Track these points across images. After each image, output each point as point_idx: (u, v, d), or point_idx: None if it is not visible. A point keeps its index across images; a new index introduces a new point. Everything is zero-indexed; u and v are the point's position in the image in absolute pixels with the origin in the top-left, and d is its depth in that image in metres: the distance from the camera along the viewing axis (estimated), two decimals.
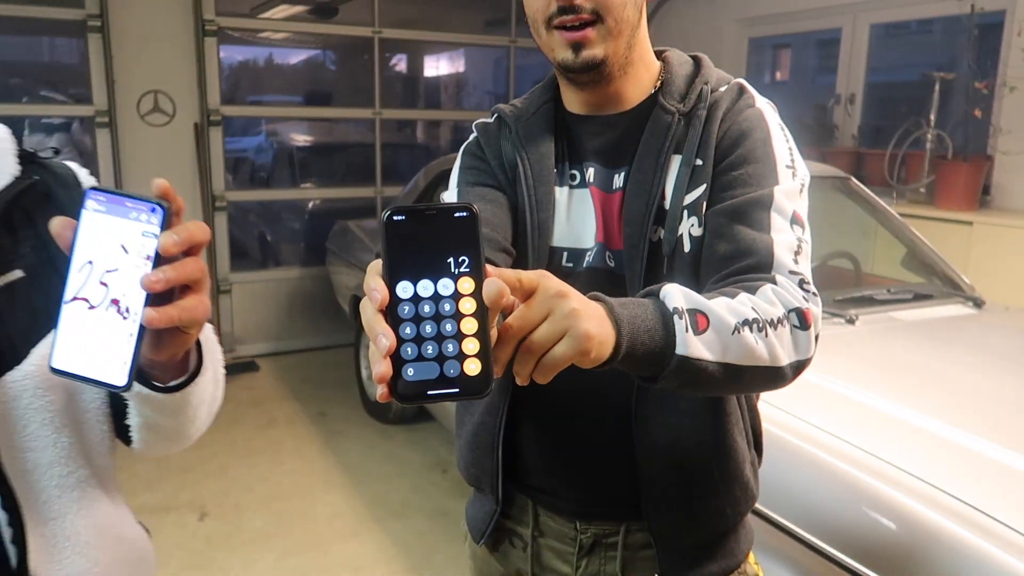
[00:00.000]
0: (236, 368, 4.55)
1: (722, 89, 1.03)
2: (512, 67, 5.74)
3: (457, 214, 0.60)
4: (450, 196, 1.13)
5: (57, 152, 0.87)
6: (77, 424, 0.82)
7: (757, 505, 1.56)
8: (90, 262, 0.62)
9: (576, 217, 1.06)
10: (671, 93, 1.03)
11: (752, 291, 0.85)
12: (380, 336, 0.58)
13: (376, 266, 0.61)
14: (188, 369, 0.76)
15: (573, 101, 1.08)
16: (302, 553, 2.82)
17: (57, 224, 0.62)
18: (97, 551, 0.82)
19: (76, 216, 0.62)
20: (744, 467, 1.07)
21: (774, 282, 0.87)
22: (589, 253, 1.05)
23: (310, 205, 5.67)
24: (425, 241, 0.60)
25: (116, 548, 0.85)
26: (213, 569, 2.70)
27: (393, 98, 5.85)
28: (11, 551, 0.76)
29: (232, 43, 5.11)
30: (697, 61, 1.08)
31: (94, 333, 0.63)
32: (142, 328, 0.62)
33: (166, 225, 0.63)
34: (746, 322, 0.81)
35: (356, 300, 4.17)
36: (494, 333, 0.62)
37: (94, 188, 0.63)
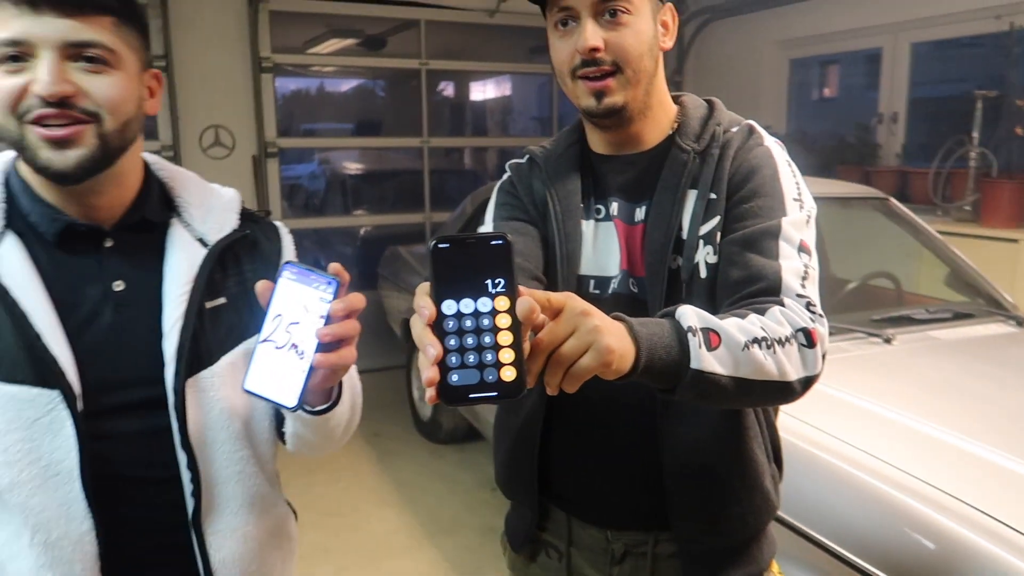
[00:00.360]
0: None
1: (734, 130, 1.12)
2: (555, 93, 5.87)
3: (493, 242, 0.71)
4: (486, 229, 1.23)
5: (268, 213, 1.07)
6: (246, 418, 1.06)
7: (796, 523, 1.63)
8: (279, 315, 0.86)
9: (601, 248, 1.15)
10: (687, 134, 1.13)
11: (761, 312, 0.93)
12: (428, 347, 0.69)
13: (424, 287, 0.72)
14: (331, 399, 0.98)
15: (597, 142, 1.18)
16: (357, 567, 2.94)
17: (260, 286, 0.86)
18: (247, 514, 1.07)
19: (273, 268, 0.89)
20: (764, 479, 1.14)
21: (782, 304, 0.96)
22: (614, 280, 1.13)
23: (362, 231, 5.86)
24: (466, 265, 0.71)
25: (263, 516, 1.10)
26: None
27: (440, 126, 6.03)
28: (190, 503, 1.01)
29: (286, 75, 5.35)
30: (711, 105, 1.18)
31: (277, 367, 0.85)
32: (311, 367, 0.85)
33: (337, 294, 0.85)
34: (755, 340, 0.89)
35: (407, 323, 4.30)
36: (527, 346, 0.72)
37: (290, 262, 0.87)
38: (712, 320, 0.89)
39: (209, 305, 1.03)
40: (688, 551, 1.14)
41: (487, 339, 0.70)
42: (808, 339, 0.94)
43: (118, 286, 1.00)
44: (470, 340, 0.69)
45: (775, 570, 1.22)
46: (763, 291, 0.99)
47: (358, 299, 0.87)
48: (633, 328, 0.83)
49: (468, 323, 0.70)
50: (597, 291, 1.15)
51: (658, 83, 1.13)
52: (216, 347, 1.02)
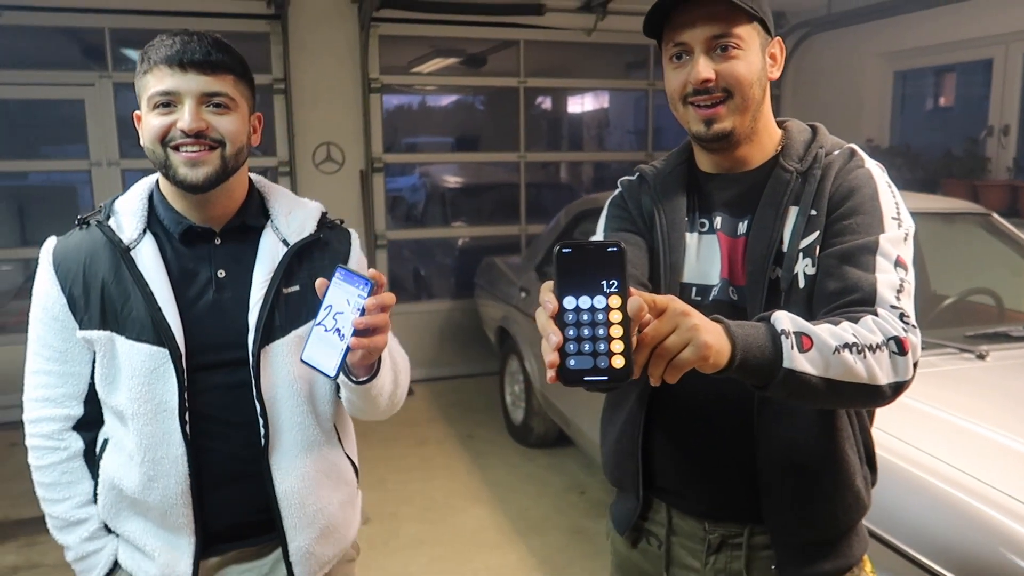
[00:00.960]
0: None
1: (835, 153, 1.20)
2: (651, 107, 5.94)
3: (609, 248, 0.83)
4: (598, 238, 1.35)
5: (342, 221, 1.44)
6: (309, 382, 1.33)
7: (894, 541, 1.65)
8: (329, 306, 1.10)
9: (704, 258, 1.24)
10: (790, 155, 1.21)
11: (855, 321, 1.01)
12: (551, 335, 0.81)
13: (548, 284, 0.85)
14: (372, 373, 1.24)
15: (705, 162, 1.28)
16: (451, 560, 3.11)
17: (318, 283, 1.11)
18: (305, 457, 1.34)
19: (331, 271, 1.13)
20: (855, 478, 1.19)
21: (876, 314, 1.02)
22: (715, 288, 1.22)
23: (459, 242, 6.09)
24: (585, 267, 0.82)
25: (319, 460, 1.36)
26: (375, 568, 3.03)
27: (537, 140, 6.19)
28: (261, 443, 1.30)
29: (391, 93, 5.64)
30: (814, 129, 1.26)
31: (324, 345, 1.10)
32: (348, 348, 1.09)
33: (372, 292, 1.09)
34: (846, 345, 0.96)
35: (502, 331, 4.48)
36: (634, 340, 0.82)
37: (340, 266, 1.11)
38: (805, 325, 0.97)
39: (285, 291, 1.32)
40: (781, 543, 1.20)
41: (601, 331, 0.81)
42: (899, 347, 1.00)
43: (221, 273, 1.31)
44: (586, 331, 0.81)
45: (867, 568, 1.27)
46: (858, 301, 1.06)
47: (389, 297, 1.11)
48: (730, 328, 0.92)
49: (585, 316, 0.81)
50: (698, 298, 1.23)
51: (765, 110, 1.21)
52: (288, 324, 1.31)
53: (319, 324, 1.09)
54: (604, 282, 0.82)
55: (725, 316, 0.96)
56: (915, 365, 1.02)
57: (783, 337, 0.95)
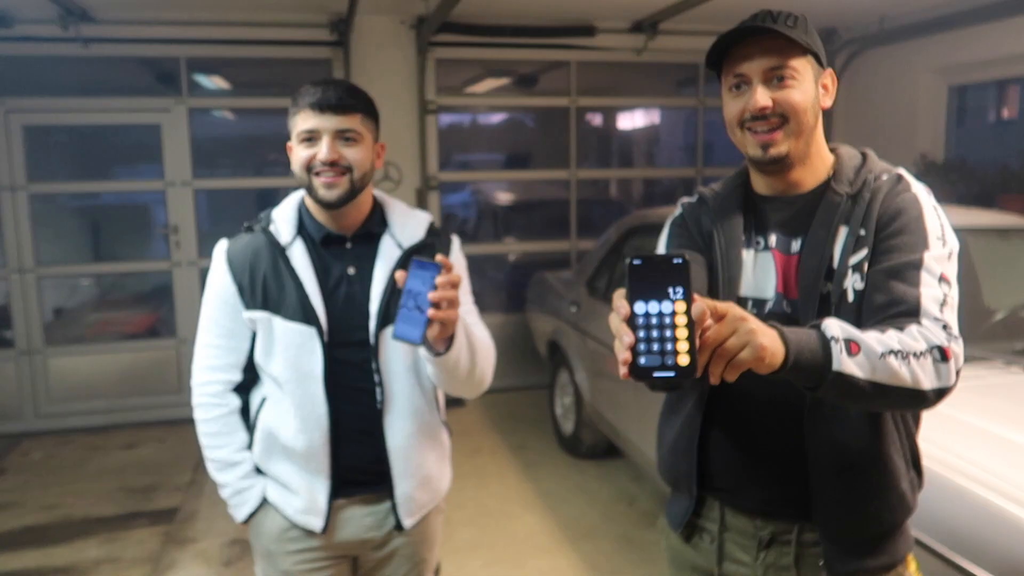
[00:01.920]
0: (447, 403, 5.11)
1: (884, 177, 1.28)
2: (700, 124, 6.00)
3: (675, 260, 0.95)
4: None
5: (445, 230, 1.72)
6: (414, 359, 1.63)
7: (938, 547, 1.69)
8: (409, 291, 1.34)
9: (760, 274, 1.33)
10: (841, 180, 1.30)
11: (900, 330, 1.10)
12: (624, 336, 0.94)
13: (621, 292, 0.97)
14: (447, 346, 1.49)
15: (761, 184, 1.37)
16: (503, 563, 3.22)
17: (398, 274, 1.37)
18: (411, 419, 1.64)
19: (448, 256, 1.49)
20: (900, 481, 1.27)
21: (920, 324, 1.12)
22: (770, 302, 1.31)
23: (511, 257, 6.22)
24: (653, 277, 0.95)
25: (421, 423, 1.66)
26: None
27: (588, 157, 6.30)
28: (378, 407, 1.61)
29: (446, 113, 5.82)
30: (864, 156, 1.35)
31: (408, 322, 1.34)
32: (427, 320, 1.34)
33: (439, 274, 1.34)
34: (891, 351, 1.06)
35: (552, 344, 4.59)
36: (698, 342, 0.94)
37: (415, 258, 1.37)
38: (853, 332, 1.06)
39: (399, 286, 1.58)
40: (829, 540, 1.28)
41: (668, 333, 0.92)
42: (942, 355, 1.09)
43: (351, 270, 1.63)
44: (655, 333, 0.93)
45: (912, 567, 1.33)
46: (904, 313, 1.15)
47: (455, 276, 1.36)
48: (784, 332, 1.03)
49: (654, 320, 0.93)
50: (755, 310, 1.32)
51: (817, 136, 1.31)
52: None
53: (403, 307, 1.34)
54: (671, 289, 0.93)
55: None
56: (958, 373, 1.11)
57: (832, 342, 1.04)
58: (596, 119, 6.89)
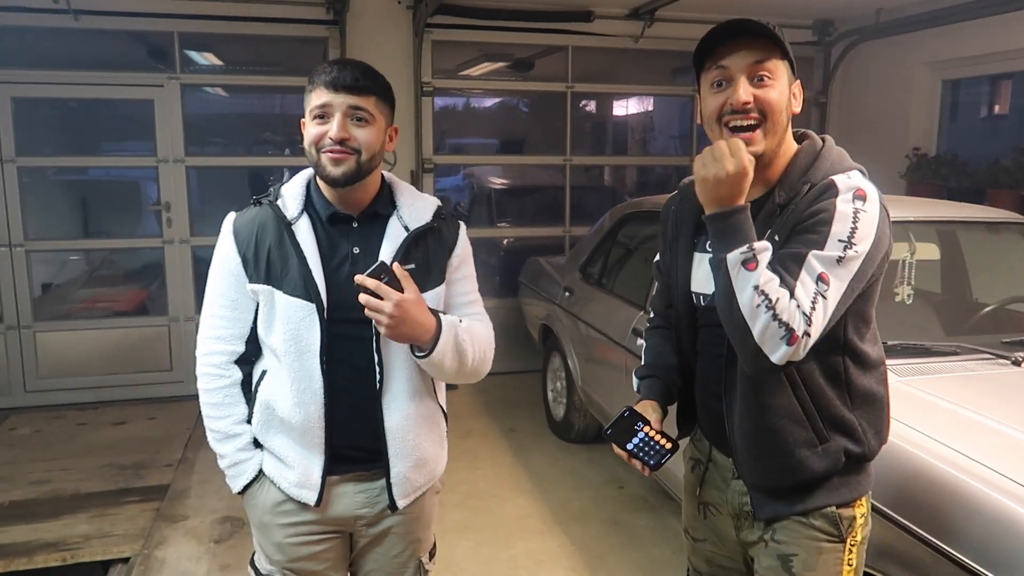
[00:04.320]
0: None
1: (818, 184, 1.38)
2: (696, 113, 5.99)
3: (625, 415, 1.55)
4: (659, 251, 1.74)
5: (452, 214, 1.74)
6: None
7: (940, 544, 1.71)
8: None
9: (706, 274, 1.46)
10: (784, 186, 1.42)
11: (785, 292, 1.27)
12: (636, 464, 1.55)
13: (615, 448, 1.49)
14: (427, 351, 1.57)
15: None
16: (494, 544, 3.25)
17: (357, 278, 1.48)
18: (408, 401, 1.65)
19: (448, 249, 1.70)
20: (796, 449, 1.42)
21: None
22: (710, 297, 1.47)
23: (504, 242, 6.23)
24: (622, 428, 1.55)
25: (419, 405, 1.68)
26: None
27: (582, 144, 6.29)
28: (376, 386, 1.63)
29: (441, 96, 5.79)
30: (817, 154, 1.44)
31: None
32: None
33: (384, 274, 1.50)
34: (763, 294, 1.26)
35: (545, 329, 4.61)
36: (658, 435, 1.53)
37: (382, 261, 1.51)
38: (768, 262, 1.28)
39: (404, 268, 1.59)
40: (751, 489, 1.51)
41: (651, 443, 1.50)
42: (788, 336, 1.25)
43: (356, 250, 1.63)
44: (647, 448, 1.51)
45: (855, 512, 1.49)
46: None
47: (384, 290, 1.47)
48: (734, 212, 1.32)
49: (641, 445, 1.50)
50: (704, 303, 1.53)
51: (787, 137, 1.44)
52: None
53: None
54: (636, 425, 1.51)
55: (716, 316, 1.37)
56: (792, 355, 1.27)
57: (744, 246, 1.29)
58: (591, 106, 6.88)
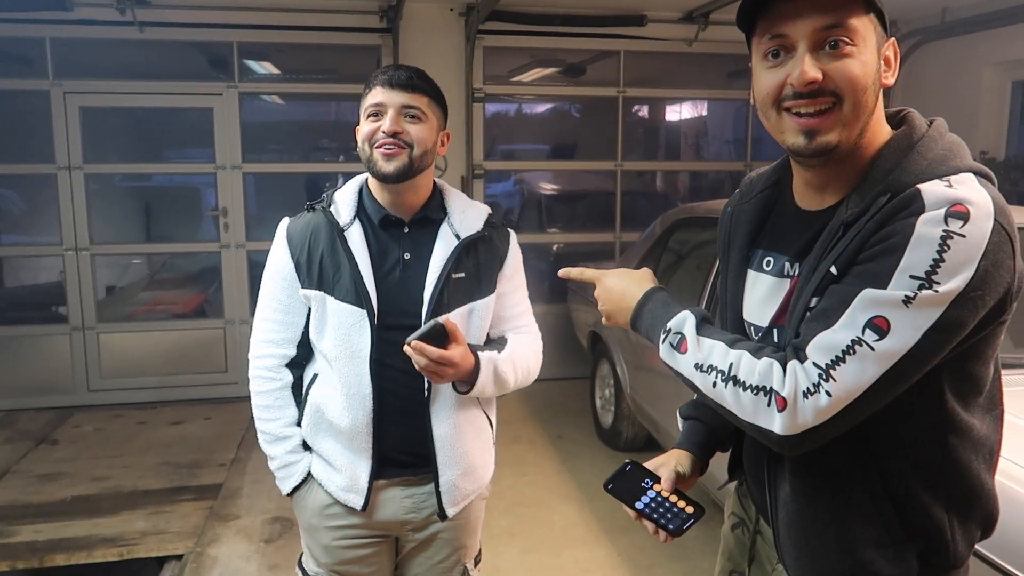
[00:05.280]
0: None
1: (905, 193, 0.98)
2: (750, 117, 5.90)
3: (627, 468, 1.22)
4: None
5: (504, 224, 1.74)
6: None
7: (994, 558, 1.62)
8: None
9: (757, 298, 1.18)
10: (864, 190, 1.02)
11: (753, 352, 1.01)
12: (647, 525, 1.20)
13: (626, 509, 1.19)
14: (469, 388, 1.61)
15: (798, 182, 1.15)
16: (539, 552, 3.22)
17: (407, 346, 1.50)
18: (456, 409, 1.66)
19: (499, 259, 1.69)
20: (861, 548, 1.06)
21: (784, 361, 0.97)
22: (762, 331, 1.16)
23: (554, 247, 6.20)
24: (626, 483, 1.22)
25: (466, 413, 1.68)
26: None
27: (634, 149, 6.23)
28: (426, 395, 1.63)
29: (492, 102, 5.81)
30: (913, 147, 1.03)
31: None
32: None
33: (439, 335, 1.51)
34: (712, 367, 1.03)
35: (593, 335, 4.57)
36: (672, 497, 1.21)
37: (437, 321, 1.50)
38: (694, 332, 1.08)
39: (454, 276, 1.62)
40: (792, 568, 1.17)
41: (667, 504, 1.19)
42: (771, 400, 0.97)
43: (407, 256, 1.63)
44: (661, 510, 1.19)
45: None
46: (796, 346, 0.99)
47: (433, 352, 1.48)
48: (639, 308, 1.18)
49: (652, 504, 1.19)
50: (754, 337, 1.18)
51: (873, 123, 1.04)
52: (454, 301, 1.62)
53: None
54: (644, 482, 1.20)
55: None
56: (798, 425, 0.95)
57: (664, 332, 1.11)
58: (643, 111, 6.81)
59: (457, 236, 1.64)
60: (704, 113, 7.15)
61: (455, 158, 5.34)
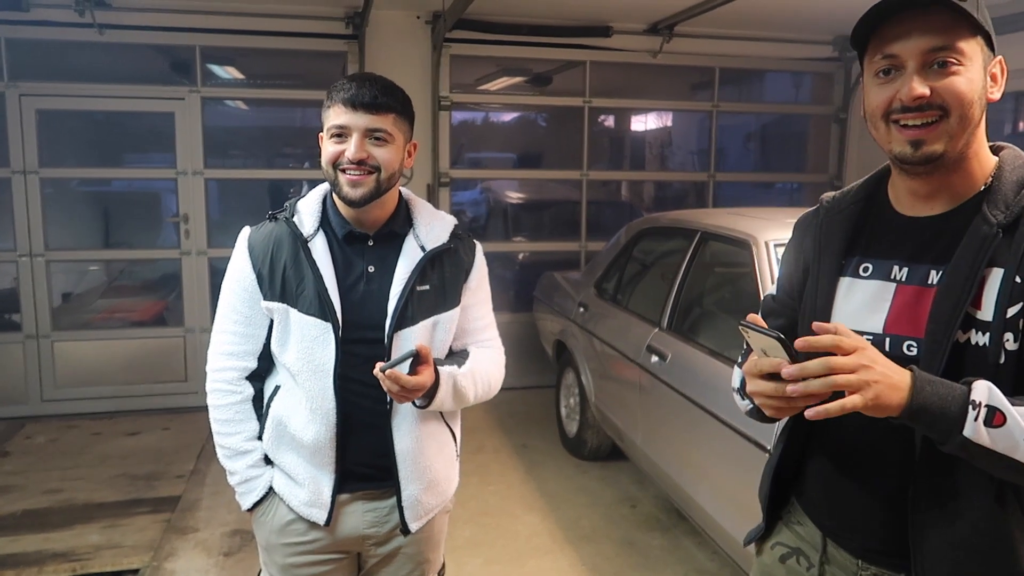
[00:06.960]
0: None
1: None
2: (714, 128, 5.97)
3: (770, 334, 1.00)
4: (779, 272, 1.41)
5: (469, 235, 1.73)
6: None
7: None
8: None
9: (857, 304, 1.17)
10: (996, 201, 1.07)
11: None
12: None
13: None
14: (427, 401, 1.59)
15: (900, 191, 1.18)
16: (503, 563, 3.20)
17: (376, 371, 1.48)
18: (418, 423, 1.63)
19: (465, 271, 1.67)
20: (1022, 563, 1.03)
21: None
22: (871, 339, 1.11)
23: (520, 256, 6.20)
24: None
25: (427, 427, 1.65)
26: None
27: (599, 158, 6.27)
28: (387, 408, 1.61)
29: (459, 110, 5.80)
30: None
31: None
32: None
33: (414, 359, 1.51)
34: None
35: (559, 344, 4.57)
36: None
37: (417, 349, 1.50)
38: (1004, 401, 0.95)
39: (419, 288, 1.60)
40: None
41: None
42: None
43: (371, 269, 1.61)
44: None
45: None
46: None
47: (405, 380, 1.47)
48: (917, 379, 0.97)
49: None
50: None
51: (979, 136, 1.11)
52: (418, 314, 1.61)
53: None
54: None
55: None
56: None
57: (971, 406, 0.95)
58: (609, 120, 6.86)
59: (422, 248, 1.62)
60: (669, 124, 7.22)
61: (421, 166, 5.32)
